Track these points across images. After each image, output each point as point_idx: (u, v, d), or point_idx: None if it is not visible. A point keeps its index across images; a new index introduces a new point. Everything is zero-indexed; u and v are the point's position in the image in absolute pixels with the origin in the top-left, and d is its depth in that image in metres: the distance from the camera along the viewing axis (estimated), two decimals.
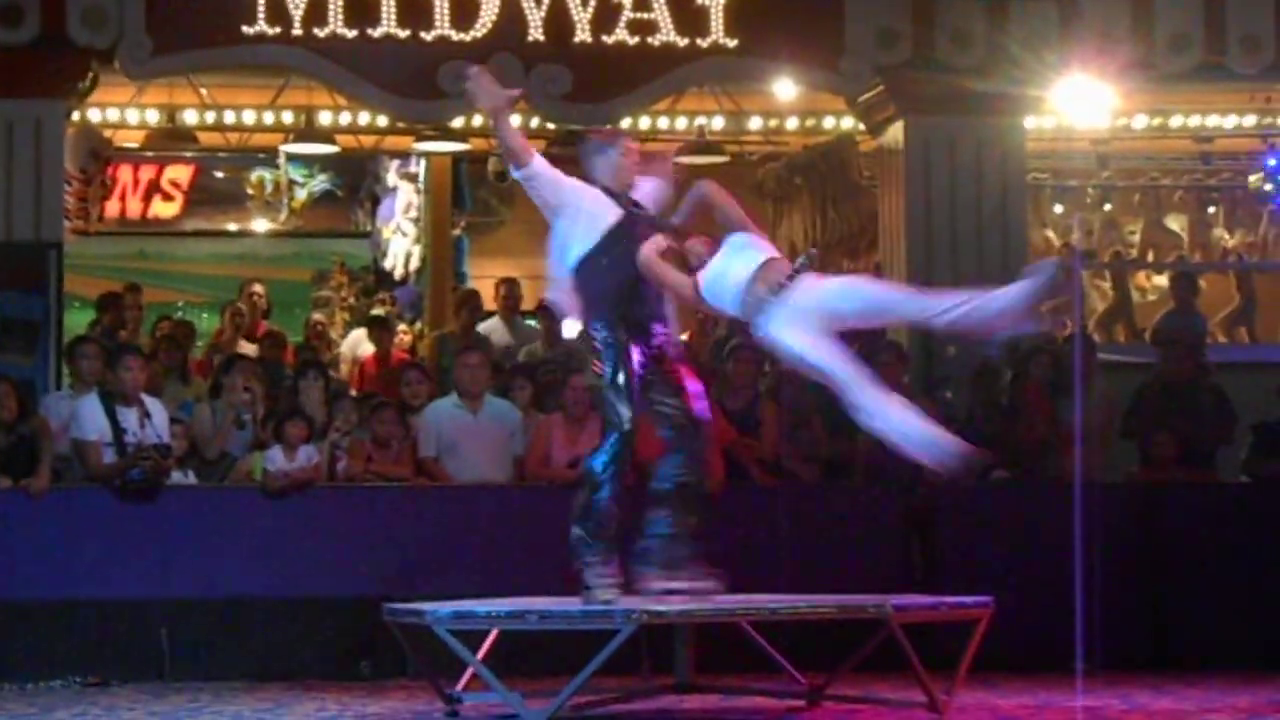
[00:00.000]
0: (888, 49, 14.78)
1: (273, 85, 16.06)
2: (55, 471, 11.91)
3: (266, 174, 21.16)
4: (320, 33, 14.24)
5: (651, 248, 8.76)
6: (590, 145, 9.20)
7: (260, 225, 21.62)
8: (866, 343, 14.05)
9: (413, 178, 19.80)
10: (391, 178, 20.18)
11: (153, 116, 16.69)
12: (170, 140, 17.53)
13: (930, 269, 14.86)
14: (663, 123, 16.85)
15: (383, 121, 16.79)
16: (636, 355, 8.90)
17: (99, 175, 17.58)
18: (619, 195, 8.98)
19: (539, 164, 8.90)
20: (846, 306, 8.49)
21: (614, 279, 8.84)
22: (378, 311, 18.92)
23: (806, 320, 8.37)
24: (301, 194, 21.32)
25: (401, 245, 19.95)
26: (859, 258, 17.07)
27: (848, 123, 16.70)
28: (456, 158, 19.08)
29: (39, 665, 11.39)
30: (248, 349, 15.55)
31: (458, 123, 16.51)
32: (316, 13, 14.21)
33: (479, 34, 14.41)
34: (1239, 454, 13.51)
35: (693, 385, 9.08)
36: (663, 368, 9.03)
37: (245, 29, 14.19)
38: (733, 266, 8.63)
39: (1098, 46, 14.61)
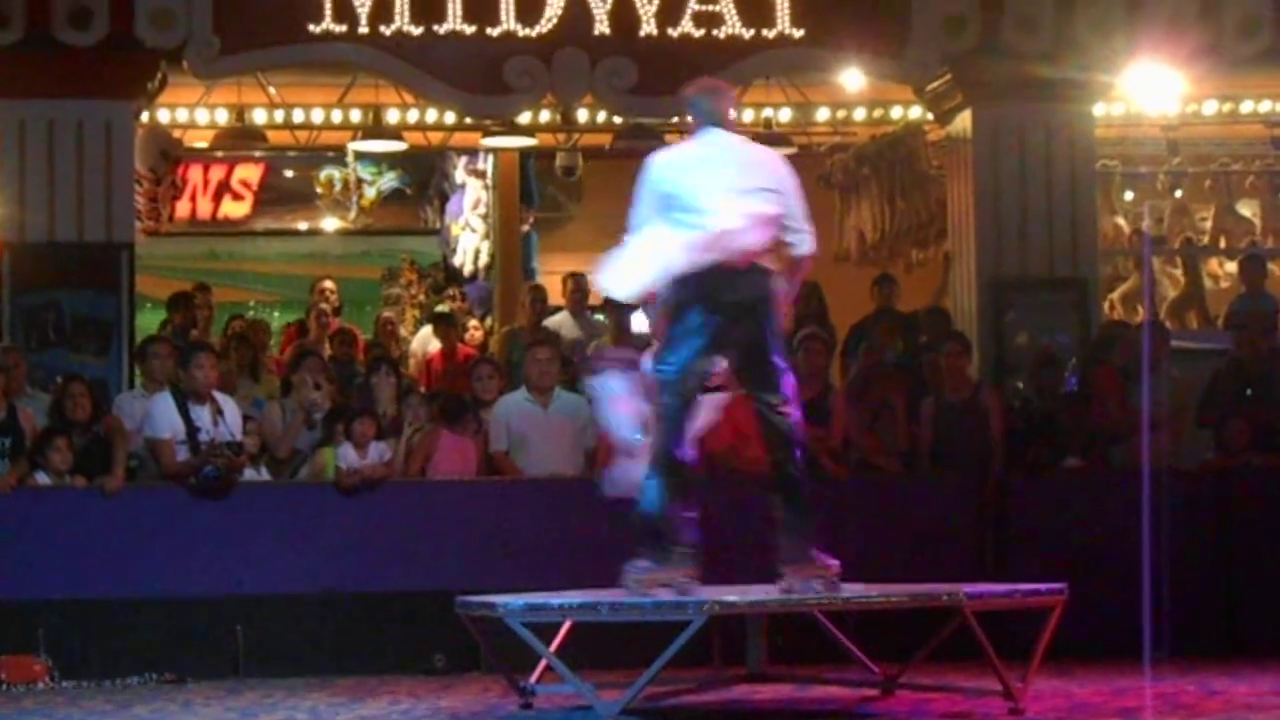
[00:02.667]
0: (954, 37, 14.70)
1: (340, 83, 16.10)
2: (129, 470, 12.01)
3: (335, 172, 21.24)
4: (386, 30, 14.27)
5: None
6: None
7: (330, 224, 21.71)
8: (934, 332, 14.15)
9: (481, 174, 19.83)
10: (460, 174, 20.21)
11: (221, 116, 16.76)
12: (239, 140, 17.60)
13: (1000, 258, 14.83)
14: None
15: (450, 118, 16.82)
16: None
17: (169, 175, 17.66)
18: None
19: None
20: None
21: None
22: (442, 308, 18.93)
23: None
24: (370, 192, 21.40)
25: (470, 241, 19.99)
26: (928, 247, 17.01)
27: (915, 112, 16.63)
28: (524, 153, 19.11)
29: (116, 662, 11.45)
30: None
31: (525, 118, 16.53)
32: (383, 10, 14.24)
33: (544, 29, 14.42)
34: None
35: None
36: None
37: (312, 27, 14.23)
38: None
39: (1166, 31, 14.49)
